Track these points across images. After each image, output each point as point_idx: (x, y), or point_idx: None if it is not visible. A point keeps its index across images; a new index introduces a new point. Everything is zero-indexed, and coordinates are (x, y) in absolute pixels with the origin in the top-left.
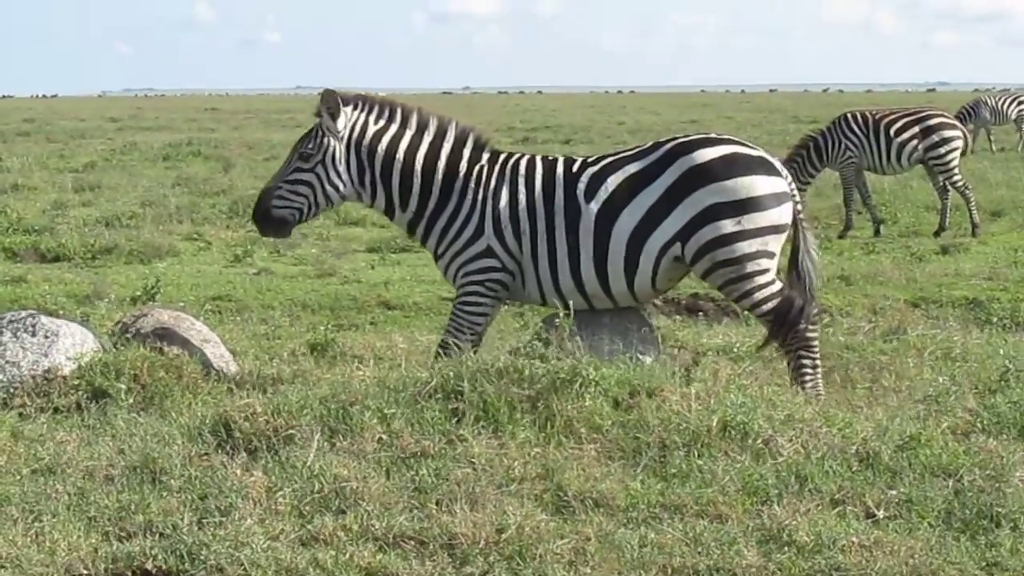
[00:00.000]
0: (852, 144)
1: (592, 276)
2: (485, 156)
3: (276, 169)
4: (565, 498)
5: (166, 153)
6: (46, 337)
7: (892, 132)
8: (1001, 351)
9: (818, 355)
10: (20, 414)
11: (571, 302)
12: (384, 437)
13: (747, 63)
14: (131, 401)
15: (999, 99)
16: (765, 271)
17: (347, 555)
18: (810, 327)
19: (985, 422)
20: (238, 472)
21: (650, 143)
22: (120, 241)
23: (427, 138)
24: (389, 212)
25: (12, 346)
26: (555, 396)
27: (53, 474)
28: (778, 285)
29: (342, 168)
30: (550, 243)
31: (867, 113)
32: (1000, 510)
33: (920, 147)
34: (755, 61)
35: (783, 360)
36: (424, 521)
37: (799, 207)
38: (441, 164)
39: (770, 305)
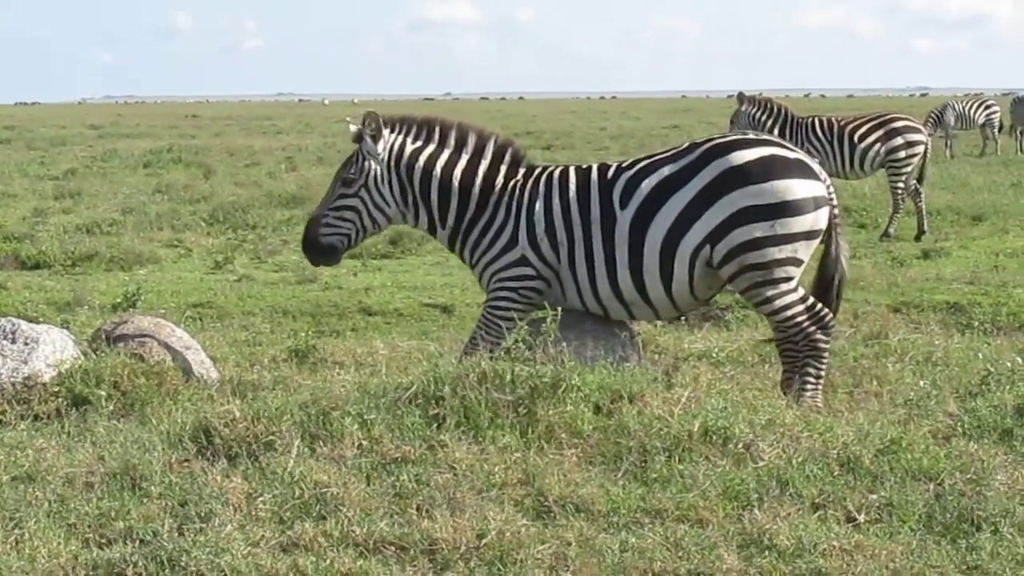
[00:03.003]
0: (815, 150)
1: (629, 283)
2: (521, 171)
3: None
4: (546, 503)
5: (147, 160)
6: (26, 344)
7: (856, 138)
8: (982, 355)
9: (825, 367)
10: (0, 421)
11: (611, 310)
12: (364, 443)
13: (728, 68)
14: (111, 408)
15: (967, 104)
16: (790, 278)
17: (327, 561)
18: (824, 337)
19: (966, 426)
20: (218, 478)
21: (687, 144)
22: (100, 248)
23: (464, 156)
24: (432, 230)
25: None
26: (537, 401)
27: (33, 481)
28: (800, 292)
29: (385, 190)
30: (587, 251)
31: (832, 119)
32: (980, 514)
33: (882, 150)
34: (736, 66)
35: (784, 366)
36: (405, 527)
37: (836, 211)
38: (478, 180)
39: (789, 312)
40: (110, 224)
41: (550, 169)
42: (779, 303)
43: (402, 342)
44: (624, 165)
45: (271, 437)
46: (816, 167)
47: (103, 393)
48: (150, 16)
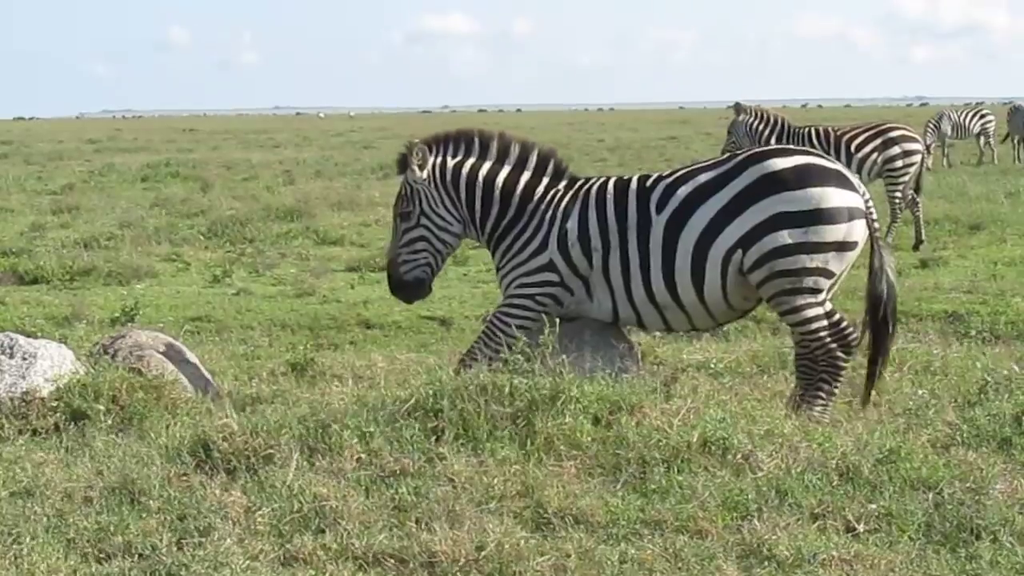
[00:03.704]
0: None
1: (662, 286)
2: (563, 183)
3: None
4: (545, 515)
5: (144, 174)
6: (24, 359)
7: (853, 148)
8: (980, 364)
9: (840, 384)
10: None
11: (644, 315)
12: (363, 456)
13: (725, 79)
14: (110, 422)
15: (962, 114)
16: (819, 290)
17: (327, 574)
18: (844, 355)
19: (965, 435)
20: (217, 492)
21: (728, 155)
22: (98, 263)
23: (507, 166)
24: (478, 237)
25: None
26: (535, 413)
27: (32, 496)
28: (828, 307)
29: (441, 210)
30: (623, 255)
31: (829, 129)
32: (980, 522)
33: (879, 159)
34: (734, 77)
35: (798, 382)
36: (404, 539)
37: (876, 226)
38: (519, 189)
39: (814, 325)
40: (108, 238)
41: (592, 180)
42: (805, 314)
43: (400, 355)
44: (664, 174)
45: (270, 451)
46: (855, 179)
47: (101, 407)
48: (147, 30)
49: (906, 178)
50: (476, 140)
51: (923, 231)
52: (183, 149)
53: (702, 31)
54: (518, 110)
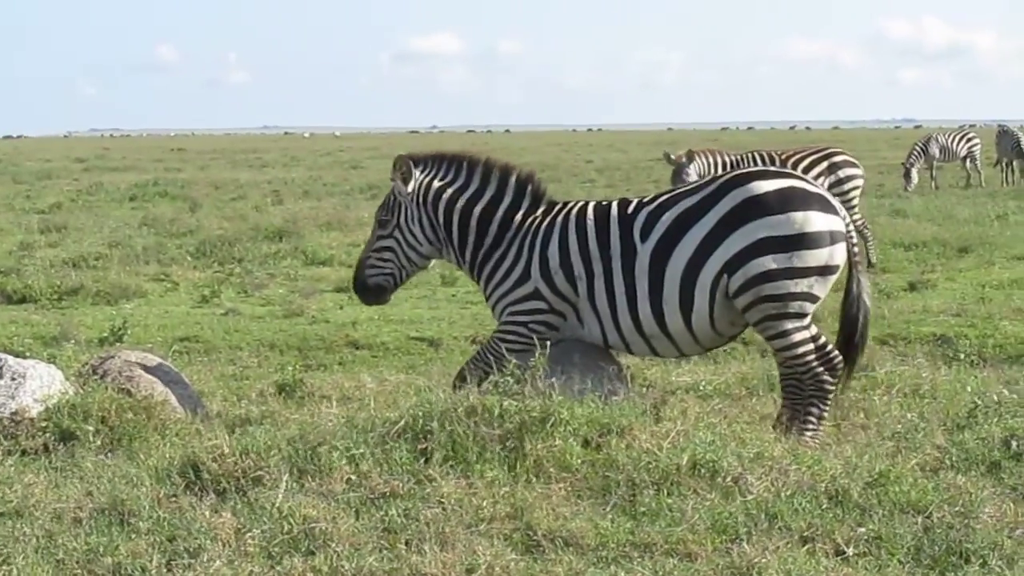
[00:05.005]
0: None
1: (649, 315)
2: (541, 209)
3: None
4: (535, 537)
5: (132, 193)
6: (13, 379)
7: (799, 172)
8: (969, 387)
9: (829, 408)
10: None
11: (632, 343)
12: (353, 478)
13: (713, 101)
14: (99, 443)
15: (949, 136)
16: (804, 315)
17: None
18: (831, 378)
19: (954, 458)
20: (207, 513)
21: (708, 178)
22: (87, 282)
23: (488, 193)
24: (458, 264)
25: None
26: (525, 435)
27: (21, 517)
28: (813, 331)
29: (416, 228)
30: (608, 284)
31: (773, 153)
32: (969, 546)
33: (825, 184)
34: (721, 99)
35: (784, 402)
36: (394, 562)
37: (855, 249)
38: (497, 216)
39: (800, 350)
40: (96, 258)
41: (569, 205)
42: (792, 338)
43: (389, 376)
44: (645, 200)
45: (259, 472)
46: (835, 202)
47: (91, 428)
48: (135, 49)
49: (855, 201)
50: (464, 165)
51: (874, 254)
52: (171, 168)
53: (690, 53)
54: (507, 130)
